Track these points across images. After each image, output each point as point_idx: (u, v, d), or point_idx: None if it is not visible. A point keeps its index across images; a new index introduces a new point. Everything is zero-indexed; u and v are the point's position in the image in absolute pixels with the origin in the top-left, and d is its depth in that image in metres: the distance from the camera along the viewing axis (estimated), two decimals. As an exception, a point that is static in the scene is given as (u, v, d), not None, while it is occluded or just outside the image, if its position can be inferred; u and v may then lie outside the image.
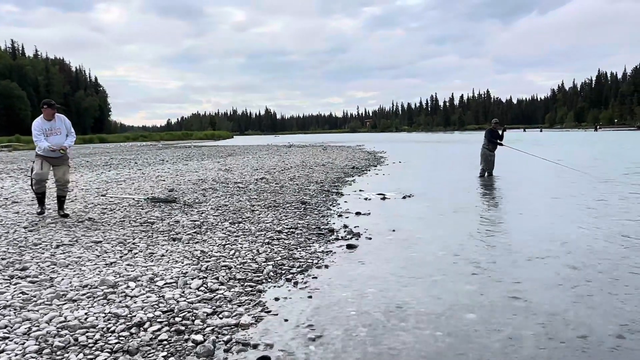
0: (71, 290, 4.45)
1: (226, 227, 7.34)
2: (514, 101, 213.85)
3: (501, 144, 14.76)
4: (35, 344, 3.36)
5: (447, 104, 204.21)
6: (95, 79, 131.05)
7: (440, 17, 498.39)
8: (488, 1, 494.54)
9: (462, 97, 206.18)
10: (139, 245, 6.21)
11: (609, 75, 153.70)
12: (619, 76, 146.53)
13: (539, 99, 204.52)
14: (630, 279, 4.86)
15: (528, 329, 3.73)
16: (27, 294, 4.32)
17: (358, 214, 8.79)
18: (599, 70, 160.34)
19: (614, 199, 10.01)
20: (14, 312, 3.92)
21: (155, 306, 4.09)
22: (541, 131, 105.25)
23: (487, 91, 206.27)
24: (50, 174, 8.25)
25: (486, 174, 14.71)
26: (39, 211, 8.23)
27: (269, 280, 4.97)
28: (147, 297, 4.30)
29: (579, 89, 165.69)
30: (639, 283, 4.73)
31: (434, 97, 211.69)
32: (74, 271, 5.06)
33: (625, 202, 9.65)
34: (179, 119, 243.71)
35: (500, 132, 14.84)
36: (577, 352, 3.35)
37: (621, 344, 3.45)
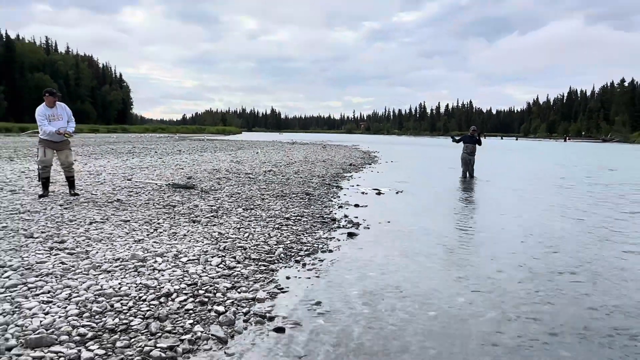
0: (105, 262, 4.46)
1: (240, 213, 7.35)
2: (494, 112, 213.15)
3: (479, 143, 14.88)
4: (76, 309, 3.37)
5: (434, 111, 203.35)
6: (120, 75, 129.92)
7: (431, 33, 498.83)
8: (475, 21, 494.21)
9: (447, 106, 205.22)
10: (163, 225, 6.21)
11: (579, 92, 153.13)
12: (588, 93, 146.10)
13: (516, 111, 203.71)
14: (591, 267, 4.91)
15: (511, 312, 3.77)
16: (66, 264, 4.33)
17: (357, 206, 8.81)
18: (570, 87, 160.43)
19: (573, 199, 10.08)
20: (55, 280, 3.93)
21: (181, 279, 4.11)
22: (517, 139, 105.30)
23: (470, 102, 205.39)
24: (54, 159, 8.06)
25: (467, 175, 14.76)
26: (42, 194, 7.91)
27: (280, 261, 4.98)
28: (173, 271, 4.32)
29: (551, 103, 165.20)
30: (602, 270, 4.78)
31: (422, 105, 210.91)
32: (107, 245, 5.07)
33: (578, 201, 9.71)
34: (194, 115, 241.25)
35: (477, 137, 14.97)
36: (555, 335, 3.39)
37: (590, 328, 3.50)
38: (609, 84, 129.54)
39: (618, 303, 4.04)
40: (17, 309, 3.31)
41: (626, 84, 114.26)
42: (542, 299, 4.12)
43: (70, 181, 8.26)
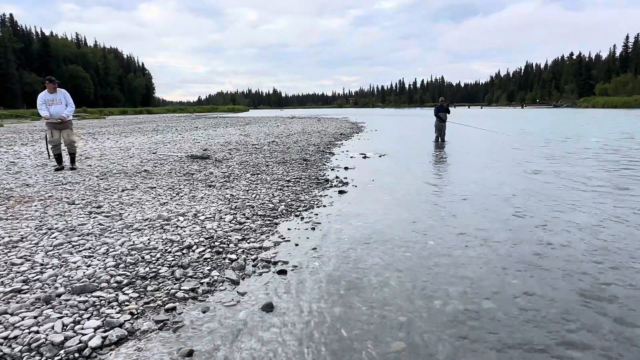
0: (136, 222, 4.48)
1: (248, 177, 7.34)
2: (462, 85, 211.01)
3: (449, 112, 14.72)
4: (113, 261, 3.41)
5: (411, 86, 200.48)
6: (142, 64, 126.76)
7: (407, 18, 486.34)
8: (444, 6, 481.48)
9: (422, 81, 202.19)
10: (183, 190, 6.21)
11: (534, 65, 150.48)
12: (542, 66, 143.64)
13: (480, 83, 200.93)
14: (526, 198, 4.96)
15: (471, 251, 3.82)
16: (103, 225, 4.35)
17: (346, 168, 8.79)
18: (526, 62, 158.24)
19: (522, 156, 10.07)
20: (95, 238, 3.96)
21: (200, 234, 4.14)
22: (481, 108, 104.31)
23: (442, 77, 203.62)
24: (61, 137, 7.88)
25: (439, 139, 14.69)
26: (57, 167, 7.81)
27: (282, 216, 5.01)
28: (193, 227, 4.34)
29: (510, 76, 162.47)
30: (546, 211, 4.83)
31: (402, 81, 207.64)
32: (137, 208, 5.08)
33: (534, 159, 9.72)
34: (207, 96, 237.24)
35: (446, 106, 14.78)
36: (508, 266, 3.45)
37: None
38: (559, 58, 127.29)
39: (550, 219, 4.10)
40: (63, 263, 3.35)
41: (574, 57, 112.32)
42: (501, 243, 4.16)
43: (72, 157, 8.03)
